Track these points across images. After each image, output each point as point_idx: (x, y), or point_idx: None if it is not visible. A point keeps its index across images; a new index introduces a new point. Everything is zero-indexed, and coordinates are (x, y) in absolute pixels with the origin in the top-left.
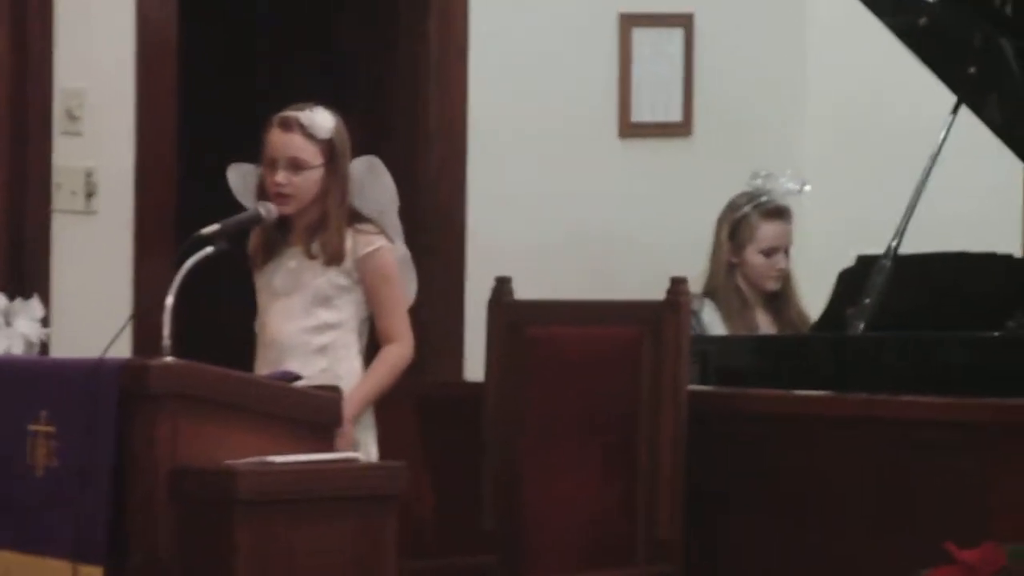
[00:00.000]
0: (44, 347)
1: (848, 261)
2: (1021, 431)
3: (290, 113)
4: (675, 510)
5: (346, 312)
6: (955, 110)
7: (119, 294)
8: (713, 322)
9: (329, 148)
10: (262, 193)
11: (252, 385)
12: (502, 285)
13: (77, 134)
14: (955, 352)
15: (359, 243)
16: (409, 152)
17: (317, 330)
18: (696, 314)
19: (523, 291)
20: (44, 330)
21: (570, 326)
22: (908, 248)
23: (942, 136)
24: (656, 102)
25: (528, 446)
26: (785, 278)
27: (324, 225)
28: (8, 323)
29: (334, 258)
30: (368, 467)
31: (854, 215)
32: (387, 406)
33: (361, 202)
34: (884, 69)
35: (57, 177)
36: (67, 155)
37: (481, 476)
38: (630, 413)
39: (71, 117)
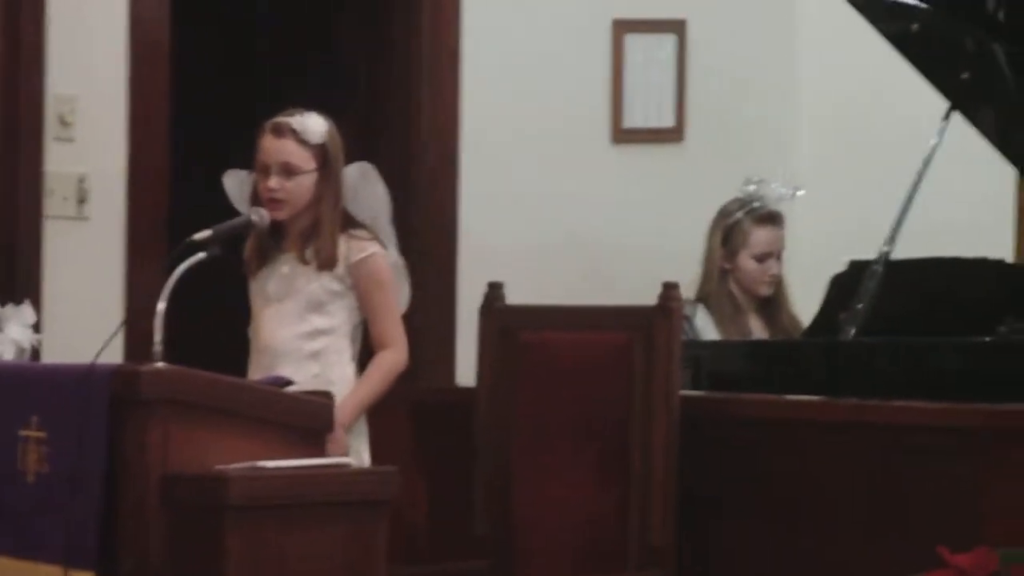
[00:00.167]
0: (35, 353)
1: (840, 266)
2: (1013, 436)
3: (282, 119)
4: (667, 515)
5: (339, 318)
6: (947, 116)
7: (111, 300)
8: (706, 327)
9: (322, 153)
10: (256, 199)
11: (243, 390)
12: (494, 290)
13: (69, 140)
14: (947, 357)
15: (352, 248)
16: (402, 156)
17: (310, 336)
18: (689, 319)
19: (515, 296)
20: (35, 336)
21: (562, 331)
22: (900, 253)
23: (934, 142)
24: (648, 108)
25: (520, 451)
26: (777, 283)
27: (317, 230)
28: None
29: (327, 263)
30: (360, 472)
31: (846, 220)
32: (379, 412)
33: (354, 208)
34: (876, 75)
35: (49, 183)
36: (59, 161)
37: (473, 481)
38: (622, 418)
39: (63, 123)
